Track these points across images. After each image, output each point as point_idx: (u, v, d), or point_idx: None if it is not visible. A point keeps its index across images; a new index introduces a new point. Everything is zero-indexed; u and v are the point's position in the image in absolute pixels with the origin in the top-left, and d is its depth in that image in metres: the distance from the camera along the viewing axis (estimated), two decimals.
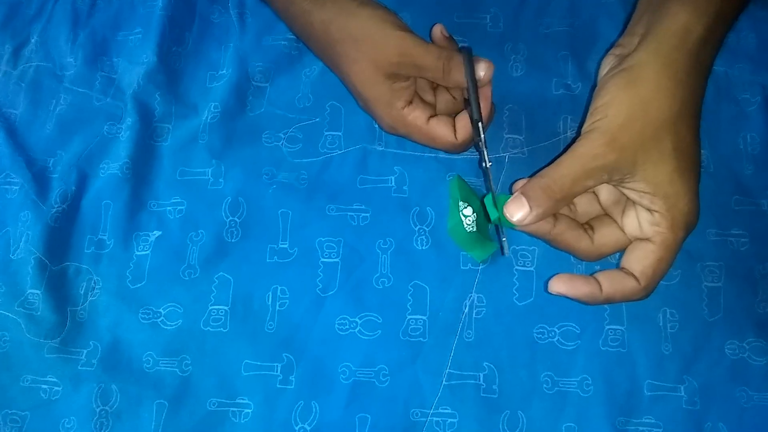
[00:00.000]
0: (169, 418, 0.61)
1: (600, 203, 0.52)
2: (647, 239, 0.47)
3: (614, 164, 0.45)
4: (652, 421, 0.59)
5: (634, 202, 0.49)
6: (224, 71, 0.74)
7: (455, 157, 0.68)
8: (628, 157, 0.45)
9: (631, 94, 0.46)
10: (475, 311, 0.63)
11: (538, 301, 0.63)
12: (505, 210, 0.48)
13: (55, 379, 0.63)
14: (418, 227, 0.66)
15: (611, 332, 0.62)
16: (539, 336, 0.62)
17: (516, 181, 0.53)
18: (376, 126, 0.69)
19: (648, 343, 0.61)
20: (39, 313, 0.64)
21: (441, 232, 0.65)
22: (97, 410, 0.61)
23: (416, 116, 0.60)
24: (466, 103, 0.61)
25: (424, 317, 0.63)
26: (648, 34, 0.47)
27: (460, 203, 0.63)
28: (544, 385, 0.61)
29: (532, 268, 0.64)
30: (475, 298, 0.63)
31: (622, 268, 0.50)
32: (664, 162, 0.45)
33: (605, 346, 0.61)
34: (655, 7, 0.49)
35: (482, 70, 0.59)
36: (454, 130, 0.61)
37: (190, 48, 0.76)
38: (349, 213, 0.67)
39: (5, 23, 0.79)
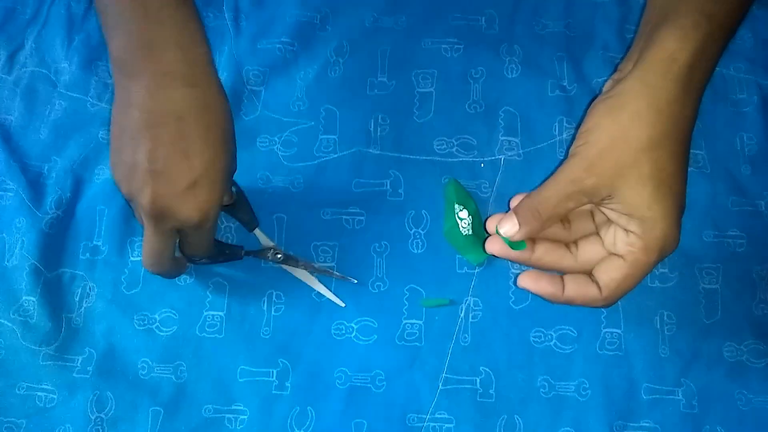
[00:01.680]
0: (165, 425, 0.61)
1: (594, 221, 0.53)
2: (620, 256, 0.48)
3: (593, 188, 0.47)
4: (650, 424, 0.59)
5: (612, 222, 0.50)
6: (219, 75, 0.73)
7: (451, 160, 0.67)
8: (606, 181, 0.47)
9: (612, 121, 0.47)
10: (471, 315, 0.62)
11: (534, 304, 0.62)
12: (498, 226, 0.51)
13: (50, 387, 0.62)
14: (413, 231, 0.66)
15: (608, 335, 0.61)
16: (536, 340, 0.62)
17: (514, 197, 0.53)
18: (371, 129, 0.69)
19: (645, 346, 0.61)
20: (34, 320, 0.64)
21: (437, 235, 0.65)
22: (93, 417, 0.61)
23: None
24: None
25: (420, 321, 0.63)
26: (639, 62, 0.48)
27: (456, 206, 0.63)
28: (541, 389, 0.60)
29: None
30: (472, 302, 0.63)
31: (590, 274, 0.51)
32: (641, 186, 0.46)
33: (602, 349, 0.61)
34: (648, 34, 0.49)
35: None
36: None
37: None
38: (344, 217, 0.66)
39: (0, 29, 0.79)
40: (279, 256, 0.64)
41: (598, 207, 0.50)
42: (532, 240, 0.52)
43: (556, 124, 0.68)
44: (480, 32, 0.74)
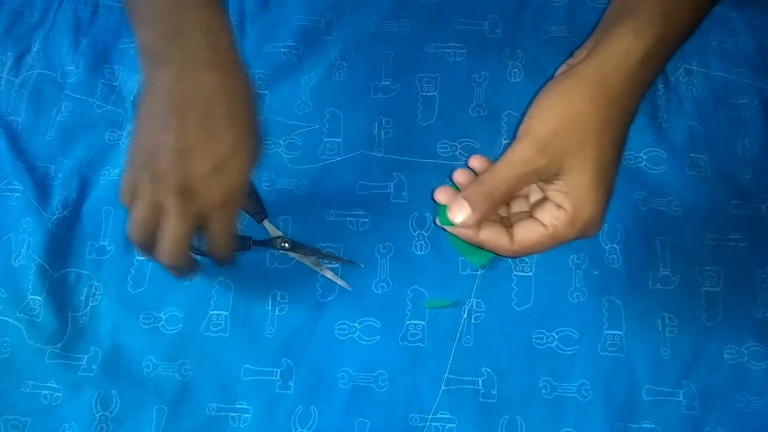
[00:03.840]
0: (169, 423, 0.61)
1: (528, 202, 0.54)
2: (542, 223, 0.50)
3: (543, 169, 0.48)
4: (651, 426, 0.59)
5: (547, 197, 0.51)
6: None
7: (454, 163, 0.68)
8: (556, 162, 0.48)
9: (565, 102, 0.48)
10: (473, 316, 0.63)
11: (536, 306, 0.63)
12: (448, 212, 0.51)
13: (55, 385, 0.63)
14: (417, 233, 0.66)
15: (610, 337, 0.62)
16: (538, 341, 0.62)
17: (455, 170, 0.53)
18: (375, 132, 0.70)
19: (647, 347, 0.61)
20: (40, 319, 0.64)
21: (440, 237, 0.66)
22: (98, 416, 0.61)
23: None
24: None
25: (423, 322, 0.63)
26: (594, 51, 0.50)
27: None
28: (543, 390, 0.61)
29: (530, 273, 0.64)
30: (474, 304, 0.63)
31: (507, 227, 0.52)
32: (584, 170, 0.48)
33: (604, 351, 0.61)
34: (606, 27, 0.52)
35: None
36: None
37: None
38: (348, 219, 0.67)
39: (7, 31, 0.80)
40: (286, 244, 0.65)
41: (539, 184, 0.51)
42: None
43: None
44: (483, 37, 0.74)
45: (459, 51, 0.73)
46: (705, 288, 0.63)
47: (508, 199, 0.51)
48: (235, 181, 0.55)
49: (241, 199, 0.56)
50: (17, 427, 0.62)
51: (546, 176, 0.49)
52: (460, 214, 0.50)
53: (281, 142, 0.71)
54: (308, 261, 0.65)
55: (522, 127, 0.50)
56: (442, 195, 0.52)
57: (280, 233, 0.66)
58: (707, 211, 0.65)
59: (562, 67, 0.54)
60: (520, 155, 0.48)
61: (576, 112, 0.48)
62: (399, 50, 0.74)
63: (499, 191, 0.49)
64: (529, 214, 0.52)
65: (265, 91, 0.73)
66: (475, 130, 0.70)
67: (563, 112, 0.48)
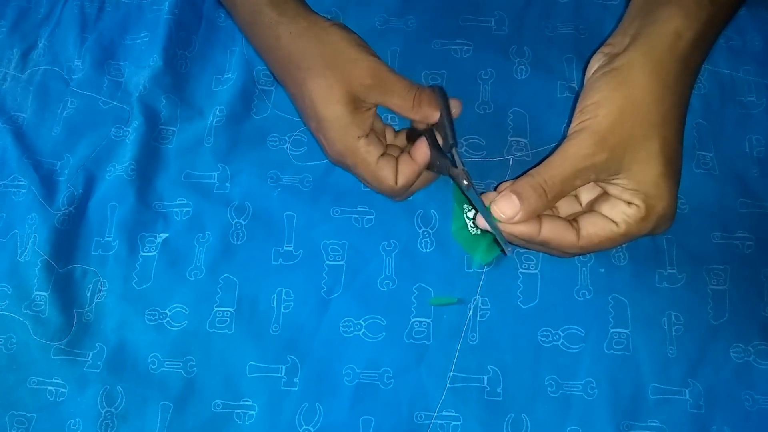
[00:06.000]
0: (174, 420, 0.61)
1: (580, 202, 0.53)
2: (613, 221, 0.48)
3: (603, 164, 0.46)
4: (657, 424, 0.59)
5: (612, 196, 0.49)
6: (230, 75, 0.74)
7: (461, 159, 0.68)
8: (617, 157, 0.46)
9: (622, 95, 0.46)
10: (479, 314, 0.63)
11: (542, 304, 0.63)
12: (494, 207, 0.48)
13: (61, 381, 0.63)
14: (422, 230, 0.66)
15: (616, 335, 0.61)
16: (543, 339, 0.62)
17: (501, 183, 0.53)
18: None
19: (653, 346, 0.61)
20: (46, 315, 0.65)
21: (445, 234, 0.65)
22: (103, 412, 0.62)
23: (369, 151, 0.57)
24: (425, 134, 0.60)
25: (428, 320, 0.63)
26: (639, 36, 0.48)
27: (465, 205, 0.63)
28: (549, 389, 0.60)
29: (536, 271, 0.64)
30: (480, 301, 0.63)
31: (572, 221, 0.50)
32: (650, 163, 0.46)
33: (610, 349, 0.61)
34: (648, 10, 0.49)
35: (454, 108, 0.59)
36: (396, 175, 0.59)
37: (196, 52, 0.76)
38: (353, 215, 0.67)
39: (14, 27, 0.80)
40: (465, 182, 0.57)
41: (600, 184, 0.49)
42: (537, 216, 0.49)
43: (565, 125, 0.68)
44: (489, 33, 0.74)
45: (465, 48, 0.73)
46: (711, 286, 0.63)
47: (561, 197, 0.49)
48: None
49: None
50: (22, 423, 0.62)
51: (605, 173, 0.47)
52: (507, 208, 0.47)
53: (287, 139, 0.70)
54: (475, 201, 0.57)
55: (575, 124, 0.48)
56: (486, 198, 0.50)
57: (464, 169, 0.58)
58: (714, 209, 0.65)
59: (599, 58, 0.51)
60: (578, 150, 0.46)
61: (634, 104, 0.46)
62: (405, 46, 0.74)
63: (552, 185, 0.47)
64: (593, 210, 0.50)
65: (271, 88, 0.73)
66: (481, 127, 0.70)
67: (620, 105, 0.46)
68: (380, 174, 0.58)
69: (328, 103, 0.56)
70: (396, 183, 0.58)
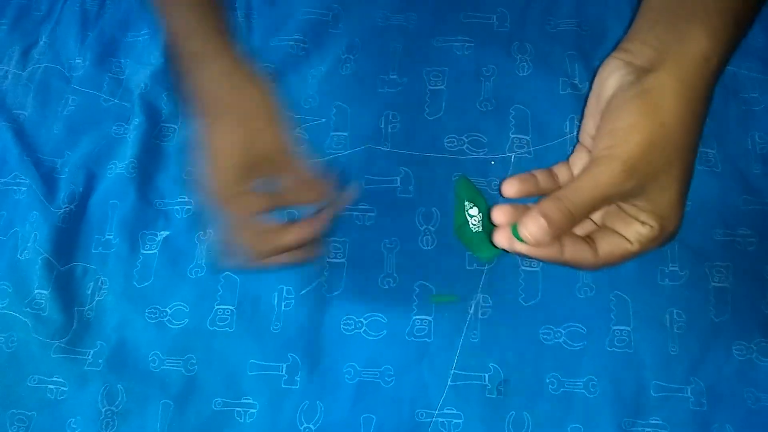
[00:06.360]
0: (175, 418, 0.61)
1: (593, 219, 0.52)
2: (627, 239, 0.48)
3: (630, 190, 0.46)
4: (659, 422, 0.59)
5: (626, 214, 0.49)
6: None
7: (461, 157, 0.68)
8: (642, 183, 0.46)
9: (654, 122, 0.45)
10: (480, 312, 0.63)
11: (544, 301, 0.62)
12: (521, 229, 0.47)
13: (61, 379, 0.63)
14: (423, 227, 0.66)
15: (618, 333, 0.61)
16: (545, 336, 0.62)
17: (504, 180, 0.51)
18: (382, 126, 0.69)
19: (655, 343, 0.61)
20: (46, 313, 0.65)
21: (446, 232, 0.65)
22: (103, 410, 0.62)
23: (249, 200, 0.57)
24: None
25: (429, 318, 0.63)
26: (668, 55, 0.47)
27: (466, 203, 0.63)
28: (550, 386, 0.60)
29: (537, 269, 0.64)
30: (481, 299, 0.63)
31: (589, 240, 0.50)
32: (670, 188, 0.46)
33: (611, 346, 0.61)
34: (671, 23, 0.48)
35: (344, 200, 0.60)
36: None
37: None
38: (354, 213, 0.67)
39: (14, 25, 0.80)
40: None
41: (618, 203, 0.49)
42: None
43: (567, 122, 0.68)
44: (491, 30, 0.74)
45: (467, 44, 0.73)
46: (714, 284, 0.62)
47: (584, 219, 0.49)
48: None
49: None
50: (23, 421, 0.62)
51: (629, 197, 0.47)
52: (536, 231, 0.46)
53: None
54: None
55: (602, 146, 0.47)
56: (501, 214, 0.50)
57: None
58: (717, 206, 0.65)
59: (618, 65, 0.49)
60: (607, 178, 0.46)
61: (665, 133, 0.45)
62: (406, 44, 0.74)
63: (580, 210, 0.46)
64: (606, 227, 0.50)
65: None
66: (483, 125, 0.69)
67: (651, 131, 0.45)
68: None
69: (226, 157, 0.55)
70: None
